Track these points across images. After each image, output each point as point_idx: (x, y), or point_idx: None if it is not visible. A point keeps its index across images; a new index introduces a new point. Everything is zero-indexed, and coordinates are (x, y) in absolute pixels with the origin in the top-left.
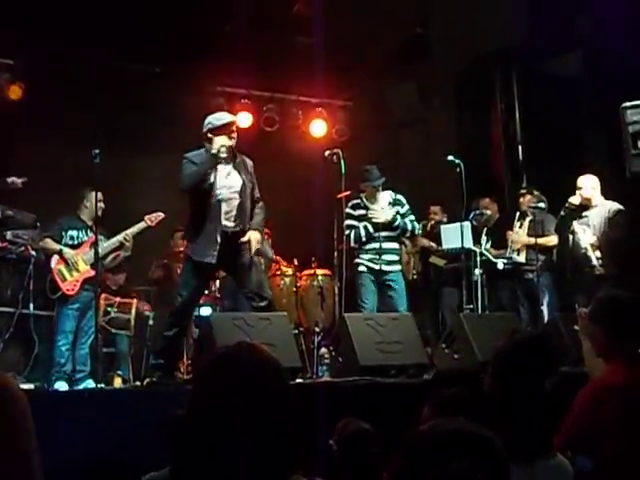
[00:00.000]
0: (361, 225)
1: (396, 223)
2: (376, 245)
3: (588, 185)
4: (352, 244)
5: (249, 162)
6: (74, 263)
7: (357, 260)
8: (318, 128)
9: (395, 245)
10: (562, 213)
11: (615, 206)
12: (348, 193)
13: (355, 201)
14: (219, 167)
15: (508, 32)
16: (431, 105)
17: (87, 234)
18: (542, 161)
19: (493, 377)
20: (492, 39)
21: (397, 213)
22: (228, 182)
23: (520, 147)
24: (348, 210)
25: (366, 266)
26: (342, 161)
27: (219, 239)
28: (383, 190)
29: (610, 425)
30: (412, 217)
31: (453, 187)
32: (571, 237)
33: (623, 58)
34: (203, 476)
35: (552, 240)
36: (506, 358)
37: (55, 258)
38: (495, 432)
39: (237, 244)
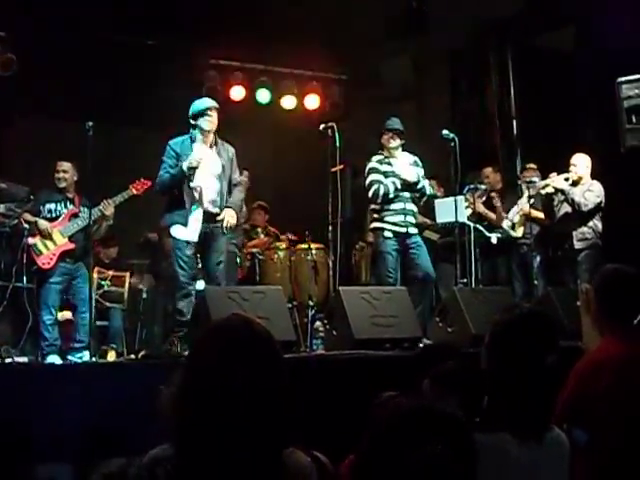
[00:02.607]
0: (389, 180)
1: (420, 184)
2: (401, 205)
3: (582, 163)
4: (379, 200)
5: (231, 149)
6: (49, 235)
7: (379, 224)
8: (312, 102)
9: (415, 209)
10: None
11: (595, 184)
12: (342, 167)
13: (379, 156)
14: (202, 151)
15: (503, 7)
16: (425, 80)
17: (66, 206)
18: (536, 136)
19: (491, 352)
20: (487, 14)
21: (419, 175)
22: (209, 166)
23: (514, 122)
24: (374, 164)
25: (392, 231)
26: (337, 135)
27: (201, 220)
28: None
29: (605, 398)
30: (427, 181)
31: (447, 161)
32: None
33: (618, 33)
34: (201, 447)
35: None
36: (506, 334)
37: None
38: (495, 407)
39: (213, 226)
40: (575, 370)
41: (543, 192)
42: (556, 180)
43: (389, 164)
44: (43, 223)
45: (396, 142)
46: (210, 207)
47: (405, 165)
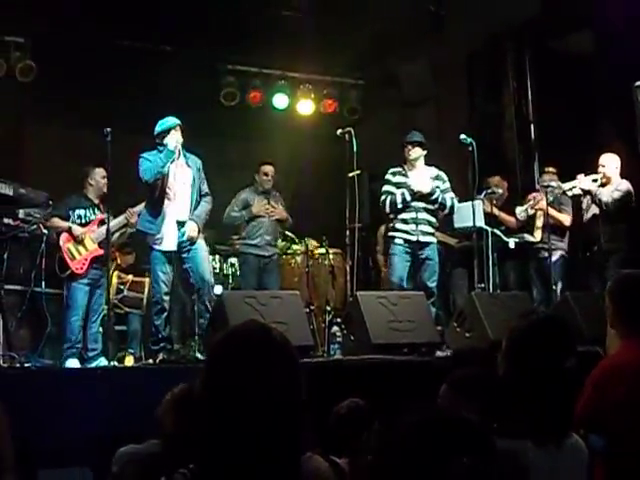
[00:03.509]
0: (398, 191)
1: (435, 195)
2: (412, 214)
3: (611, 164)
4: (387, 210)
5: (198, 160)
6: (82, 241)
7: (391, 233)
8: (330, 106)
9: (432, 219)
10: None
11: (624, 184)
12: (359, 172)
13: (396, 169)
14: (173, 164)
15: (521, 10)
16: (443, 84)
17: (94, 213)
18: (554, 140)
19: (508, 359)
20: (505, 17)
21: (437, 188)
22: (181, 177)
23: (532, 126)
24: (387, 176)
25: (402, 239)
26: (354, 140)
27: (176, 228)
28: (427, 165)
29: (622, 403)
30: (452, 195)
31: (465, 166)
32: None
33: (636, 35)
34: (217, 452)
35: (566, 219)
36: (523, 340)
37: (64, 236)
38: (513, 413)
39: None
40: (592, 376)
41: (570, 194)
42: (583, 181)
43: (404, 175)
44: (78, 229)
45: (416, 154)
46: (183, 216)
47: (421, 177)
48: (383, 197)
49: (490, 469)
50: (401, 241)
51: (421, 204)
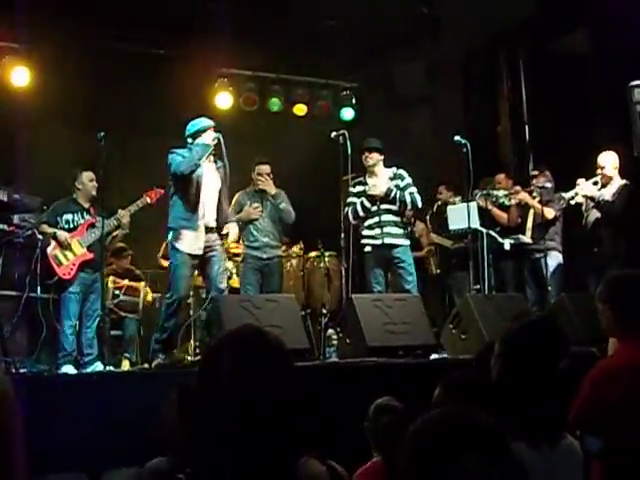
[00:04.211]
0: (358, 200)
1: (392, 195)
2: (375, 219)
3: (610, 163)
4: (351, 221)
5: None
6: (68, 246)
7: (362, 241)
8: (323, 109)
9: (396, 218)
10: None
11: (623, 183)
12: (354, 175)
13: (357, 179)
14: (205, 166)
15: (516, 11)
16: (438, 85)
17: (83, 217)
18: (549, 141)
19: (502, 361)
20: (499, 18)
21: (396, 186)
22: (211, 181)
23: (527, 127)
24: (349, 188)
25: (371, 245)
26: (348, 142)
27: (203, 232)
28: (387, 167)
29: (619, 405)
30: (413, 190)
31: (459, 167)
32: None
33: (633, 35)
34: (212, 455)
35: (549, 212)
36: (516, 342)
37: (52, 242)
38: (507, 416)
39: (211, 239)
40: (589, 376)
41: (572, 202)
42: (585, 188)
43: (364, 184)
44: (62, 234)
45: (373, 160)
46: (210, 221)
47: (378, 181)
48: (346, 209)
49: (502, 469)
50: (369, 248)
51: (384, 206)
